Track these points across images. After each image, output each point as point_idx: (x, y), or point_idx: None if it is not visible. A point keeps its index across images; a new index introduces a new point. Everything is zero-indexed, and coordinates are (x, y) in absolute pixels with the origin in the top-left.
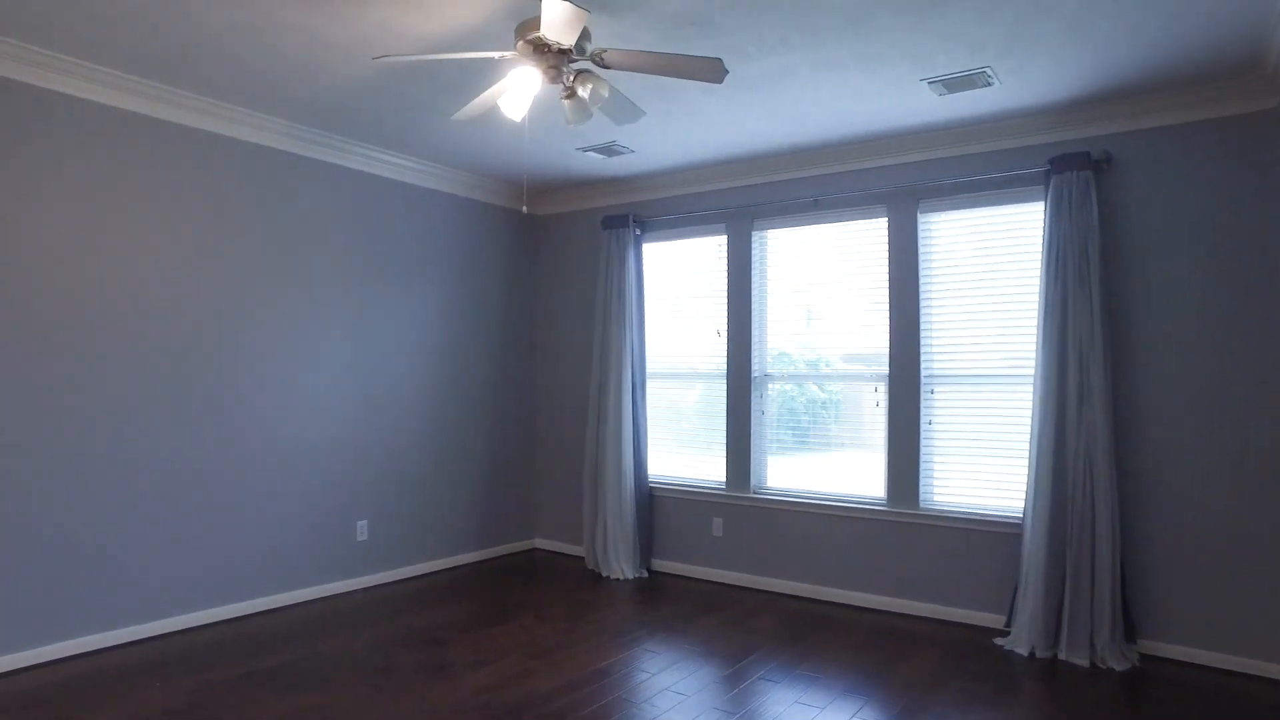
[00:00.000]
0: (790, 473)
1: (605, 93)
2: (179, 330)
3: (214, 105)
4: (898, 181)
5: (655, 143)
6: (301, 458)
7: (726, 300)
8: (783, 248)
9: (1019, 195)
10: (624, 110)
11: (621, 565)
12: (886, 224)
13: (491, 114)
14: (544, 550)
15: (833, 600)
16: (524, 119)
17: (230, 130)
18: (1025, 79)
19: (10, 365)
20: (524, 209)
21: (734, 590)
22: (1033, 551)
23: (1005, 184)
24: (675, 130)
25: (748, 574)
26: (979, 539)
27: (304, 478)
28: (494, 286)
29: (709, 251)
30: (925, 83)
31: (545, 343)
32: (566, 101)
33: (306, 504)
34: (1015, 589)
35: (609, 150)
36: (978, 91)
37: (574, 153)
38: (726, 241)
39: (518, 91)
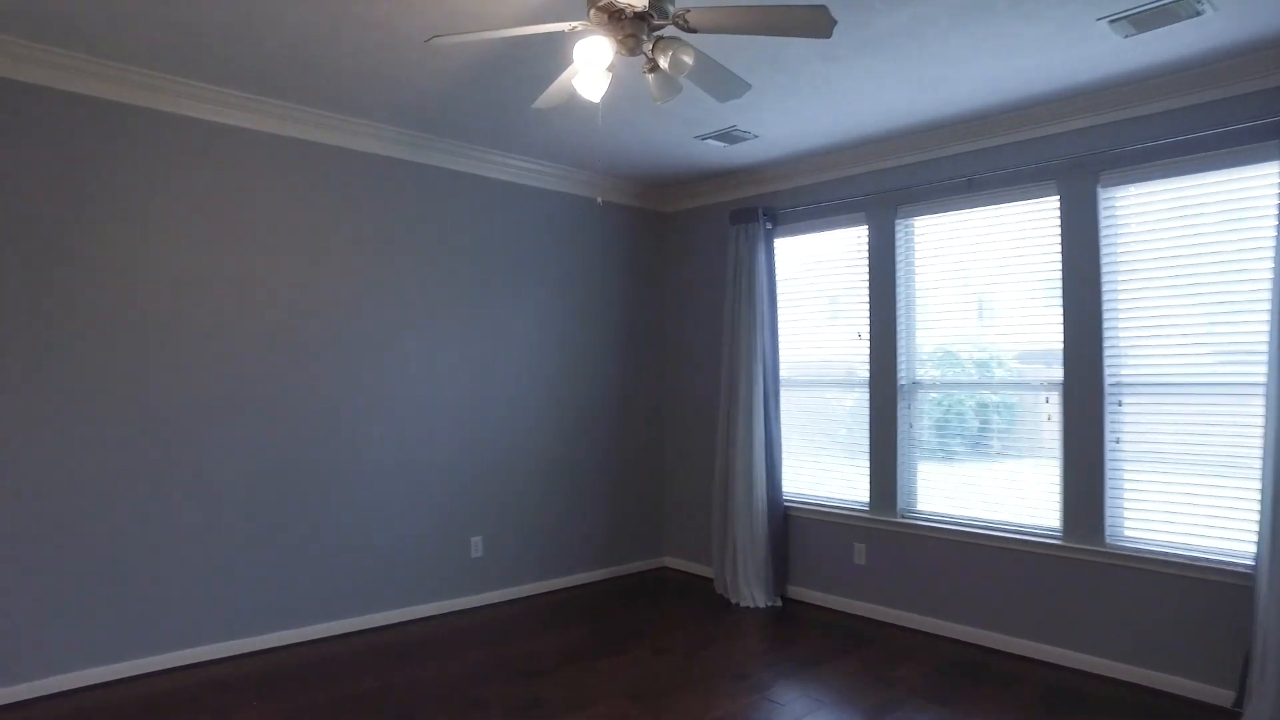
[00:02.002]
0: (944, 491)
1: (688, 58)
2: (295, 342)
3: (319, 116)
4: (1071, 151)
5: (778, 124)
6: (415, 471)
7: (868, 298)
8: (932, 237)
9: (1238, 156)
10: (723, 82)
11: (753, 591)
12: (1058, 202)
13: (594, 104)
14: (674, 570)
15: (995, 647)
16: (600, 104)
17: (329, 138)
18: (1249, 1)
19: (128, 382)
20: (599, 200)
21: (877, 627)
22: (1272, 610)
23: (1217, 144)
24: (798, 108)
25: (894, 609)
26: (1190, 587)
27: (417, 491)
28: (618, 290)
29: (847, 244)
30: (1105, 22)
31: (674, 347)
32: (650, 76)
33: (419, 519)
34: (1247, 658)
35: (729, 137)
36: (1179, 26)
37: (692, 141)
38: (867, 232)
39: (589, 66)
